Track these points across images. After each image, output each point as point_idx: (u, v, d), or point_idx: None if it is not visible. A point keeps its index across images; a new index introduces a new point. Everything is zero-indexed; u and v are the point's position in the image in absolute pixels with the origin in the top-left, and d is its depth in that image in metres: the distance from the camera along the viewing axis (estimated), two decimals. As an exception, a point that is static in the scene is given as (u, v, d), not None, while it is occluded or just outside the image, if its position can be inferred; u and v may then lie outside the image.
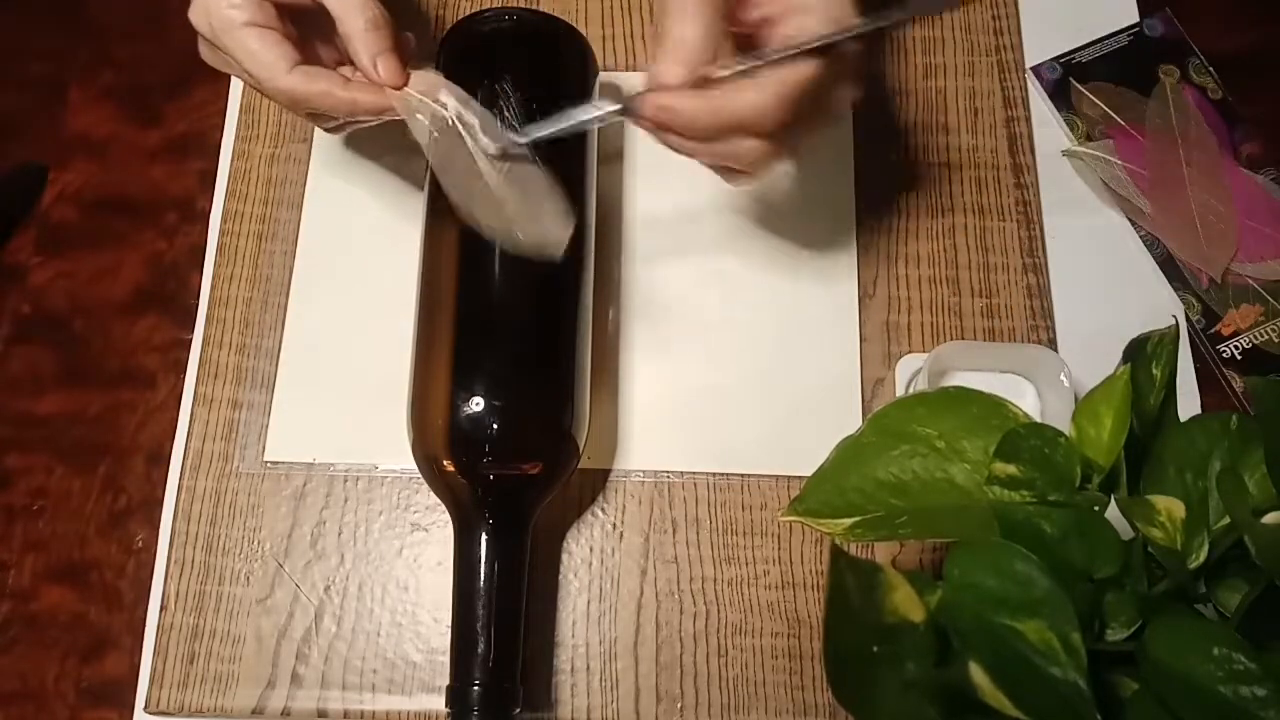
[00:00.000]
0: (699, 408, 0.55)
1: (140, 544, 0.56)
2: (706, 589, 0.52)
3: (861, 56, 0.44)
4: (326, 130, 0.50)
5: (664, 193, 0.60)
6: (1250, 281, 0.58)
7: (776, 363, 0.56)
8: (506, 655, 0.46)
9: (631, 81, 0.62)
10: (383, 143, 0.61)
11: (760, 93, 0.41)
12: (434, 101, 0.46)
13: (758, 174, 0.45)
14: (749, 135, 0.42)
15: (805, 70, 0.41)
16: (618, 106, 0.44)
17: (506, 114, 0.48)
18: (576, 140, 0.52)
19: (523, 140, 0.45)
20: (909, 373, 0.55)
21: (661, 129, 0.43)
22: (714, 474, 0.54)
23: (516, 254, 0.45)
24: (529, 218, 0.45)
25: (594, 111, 0.44)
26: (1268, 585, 0.32)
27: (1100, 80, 0.62)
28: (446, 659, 0.47)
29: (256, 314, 0.58)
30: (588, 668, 0.51)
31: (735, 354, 0.56)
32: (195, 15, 0.45)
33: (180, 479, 0.55)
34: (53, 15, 0.71)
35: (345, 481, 0.55)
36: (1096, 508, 0.35)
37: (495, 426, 0.46)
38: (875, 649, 0.31)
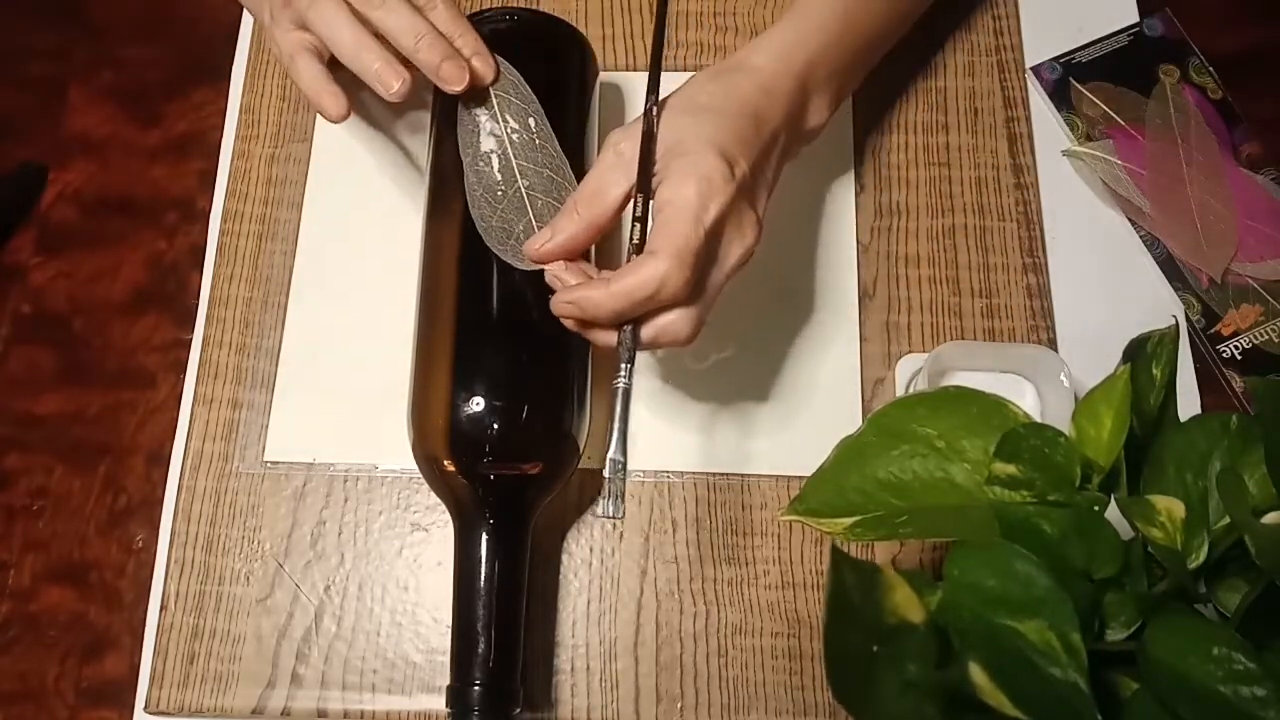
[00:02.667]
0: (699, 408, 0.55)
1: (140, 544, 0.56)
2: (706, 589, 0.52)
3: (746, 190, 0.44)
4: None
5: (664, 193, 0.60)
6: (1250, 281, 0.58)
7: (776, 363, 0.56)
8: (506, 655, 0.46)
9: (631, 81, 0.62)
10: (383, 142, 0.61)
11: (655, 262, 0.41)
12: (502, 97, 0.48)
13: (691, 339, 0.44)
14: (664, 307, 0.42)
15: (689, 228, 0.41)
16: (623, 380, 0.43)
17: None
18: (576, 140, 0.52)
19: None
20: (909, 373, 0.55)
21: (581, 326, 0.43)
22: (714, 474, 0.54)
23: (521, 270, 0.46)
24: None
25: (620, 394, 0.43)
26: (1268, 585, 0.32)
27: (1100, 80, 0.62)
28: (446, 659, 0.47)
29: (256, 314, 0.58)
30: (588, 668, 0.51)
31: (735, 354, 0.56)
32: None
33: (180, 479, 0.55)
34: (53, 15, 0.71)
35: (345, 481, 0.55)
36: (1096, 508, 0.35)
37: (496, 426, 0.46)
38: (875, 649, 0.31)
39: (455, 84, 0.47)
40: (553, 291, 0.44)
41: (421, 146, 0.61)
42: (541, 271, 0.45)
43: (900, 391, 0.55)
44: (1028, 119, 0.61)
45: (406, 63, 0.47)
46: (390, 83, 0.46)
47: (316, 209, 0.60)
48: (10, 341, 0.60)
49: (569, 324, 0.44)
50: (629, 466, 0.42)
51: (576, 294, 0.42)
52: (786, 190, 0.59)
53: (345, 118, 0.48)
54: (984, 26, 0.64)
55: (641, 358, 0.56)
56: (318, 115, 0.61)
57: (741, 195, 0.44)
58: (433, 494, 0.51)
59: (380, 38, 0.47)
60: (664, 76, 0.62)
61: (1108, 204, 0.60)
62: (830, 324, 0.57)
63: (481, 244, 0.47)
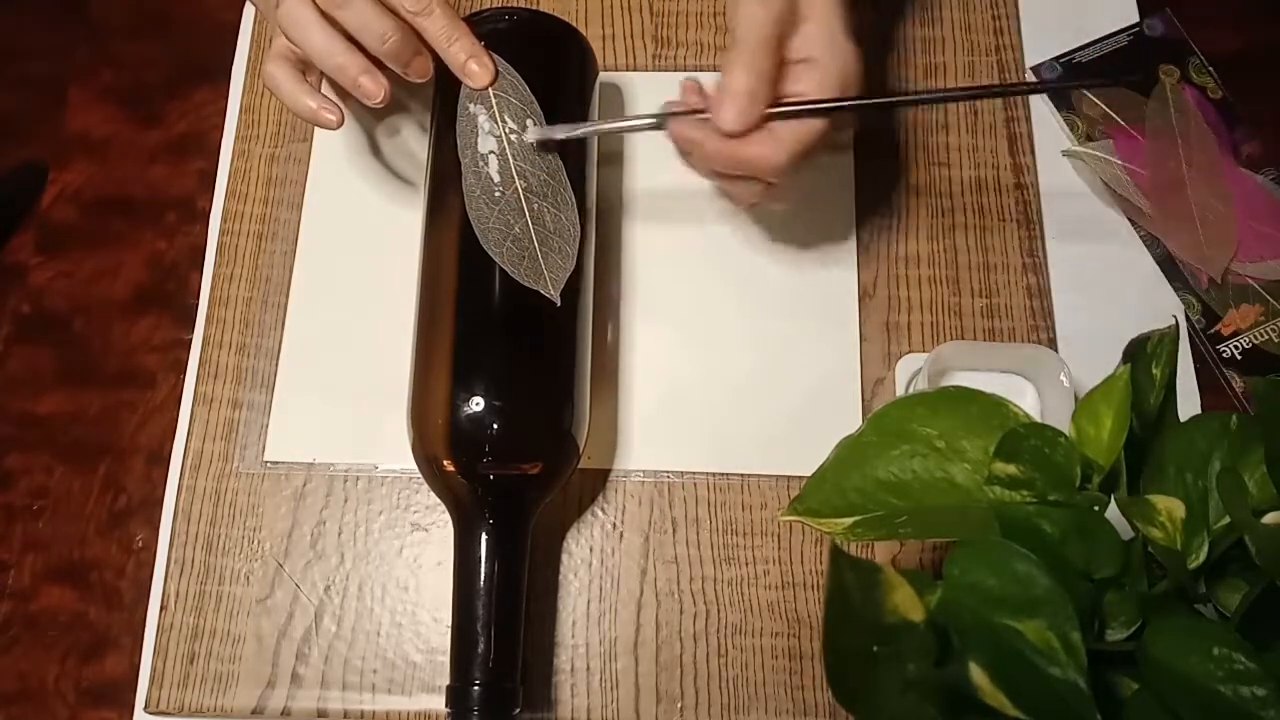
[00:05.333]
0: (699, 408, 0.55)
1: (140, 544, 0.56)
2: (706, 589, 0.52)
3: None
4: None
5: (664, 193, 0.60)
6: (1250, 281, 0.58)
7: (776, 363, 0.56)
8: (506, 655, 0.45)
9: (631, 81, 0.62)
10: (383, 142, 0.61)
11: (775, 149, 0.45)
12: (500, 95, 0.48)
13: (744, 204, 0.49)
14: (754, 179, 0.47)
15: (816, 127, 0.46)
16: (653, 120, 0.48)
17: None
18: (576, 139, 0.52)
19: (559, 136, 0.48)
20: (909, 373, 0.55)
21: (684, 150, 0.48)
22: (714, 474, 0.54)
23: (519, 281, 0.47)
24: (536, 242, 0.47)
25: (631, 120, 0.49)
26: (1268, 585, 0.32)
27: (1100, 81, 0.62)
28: (446, 659, 0.47)
29: (256, 314, 0.58)
30: (588, 668, 0.51)
31: (735, 354, 0.56)
32: None
33: (180, 479, 0.55)
34: (53, 15, 0.71)
35: (345, 481, 0.55)
36: (1096, 508, 0.35)
37: (495, 426, 0.46)
38: (875, 649, 0.31)
39: (421, 77, 0.49)
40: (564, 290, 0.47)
41: (421, 147, 0.61)
42: None
43: (900, 391, 0.55)
44: (1028, 119, 0.61)
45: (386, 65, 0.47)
46: (371, 94, 0.47)
47: (316, 209, 0.60)
48: (10, 341, 0.60)
49: (672, 140, 0.48)
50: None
51: (699, 133, 0.46)
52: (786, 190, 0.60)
53: (339, 124, 0.48)
54: (984, 26, 0.64)
55: (641, 351, 0.56)
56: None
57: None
58: (433, 494, 0.51)
59: (351, 37, 0.47)
60: (663, 76, 0.63)
61: (1108, 204, 0.60)
62: (830, 324, 0.57)
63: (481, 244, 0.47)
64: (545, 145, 0.49)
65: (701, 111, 0.46)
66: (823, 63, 0.46)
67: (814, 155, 0.47)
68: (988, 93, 0.56)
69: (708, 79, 0.62)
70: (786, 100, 0.46)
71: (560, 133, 0.49)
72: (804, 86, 0.46)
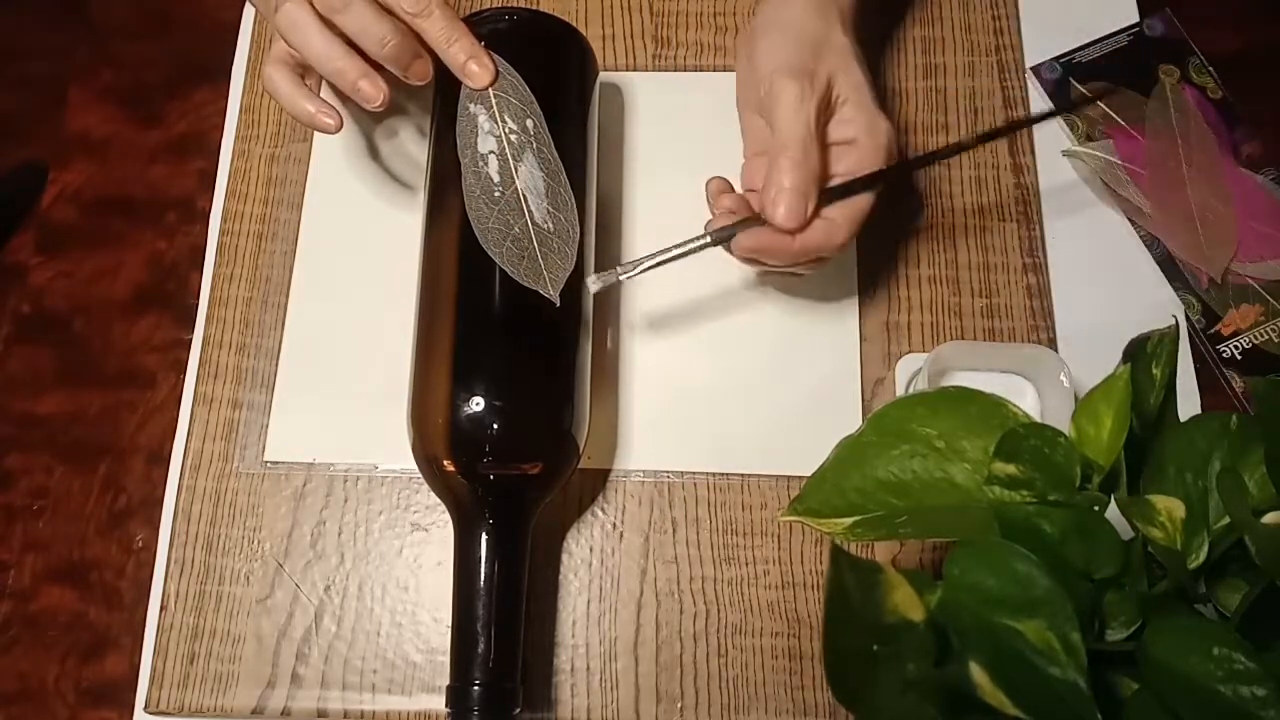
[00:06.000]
0: (699, 408, 0.55)
1: (140, 544, 0.56)
2: (706, 589, 0.52)
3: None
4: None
5: (664, 192, 0.60)
6: (1250, 281, 0.58)
7: (776, 363, 0.56)
8: (506, 655, 0.46)
9: (631, 81, 0.62)
10: (383, 143, 0.61)
11: (833, 232, 0.47)
12: (502, 98, 0.49)
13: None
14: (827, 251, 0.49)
15: (866, 203, 0.48)
16: (711, 239, 0.48)
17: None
18: (577, 138, 0.52)
19: (621, 278, 0.48)
20: (909, 373, 0.55)
21: (748, 260, 0.49)
22: (714, 474, 0.54)
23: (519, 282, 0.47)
24: (536, 243, 0.47)
25: (695, 243, 0.48)
26: (1268, 585, 0.32)
27: (1100, 80, 0.62)
28: (446, 659, 0.47)
29: (256, 314, 0.58)
30: (588, 668, 0.51)
31: (735, 354, 0.56)
32: None
33: (180, 479, 0.55)
34: (53, 15, 0.71)
35: (345, 481, 0.55)
36: (1096, 508, 0.35)
37: (495, 426, 0.46)
38: (875, 648, 0.31)
39: (421, 80, 0.49)
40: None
41: (421, 148, 0.61)
42: None
43: (900, 391, 0.55)
44: (1028, 119, 0.61)
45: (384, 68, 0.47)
46: (370, 97, 0.47)
47: (316, 209, 0.60)
48: (10, 341, 0.60)
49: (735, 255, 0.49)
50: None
51: (763, 242, 0.47)
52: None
53: (338, 128, 0.49)
54: (984, 26, 0.64)
55: (641, 351, 0.56)
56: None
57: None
58: (433, 494, 0.51)
59: (351, 41, 0.47)
60: (663, 76, 0.63)
61: (1108, 204, 0.60)
62: (830, 324, 0.57)
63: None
64: (544, 148, 0.49)
65: (753, 219, 0.47)
66: (862, 142, 0.48)
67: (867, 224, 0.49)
68: (998, 134, 0.57)
69: (713, 77, 0.62)
70: (834, 184, 0.48)
71: (621, 274, 0.48)
72: (846, 166, 0.48)
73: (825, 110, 0.48)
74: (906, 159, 0.57)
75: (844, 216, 0.48)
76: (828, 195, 0.47)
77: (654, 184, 0.60)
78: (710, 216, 0.49)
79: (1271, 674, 0.30)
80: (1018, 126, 0.59)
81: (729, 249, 0.48)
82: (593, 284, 0.48)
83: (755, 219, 0.47)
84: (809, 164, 0.46)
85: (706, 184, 0.50)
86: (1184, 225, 0.58)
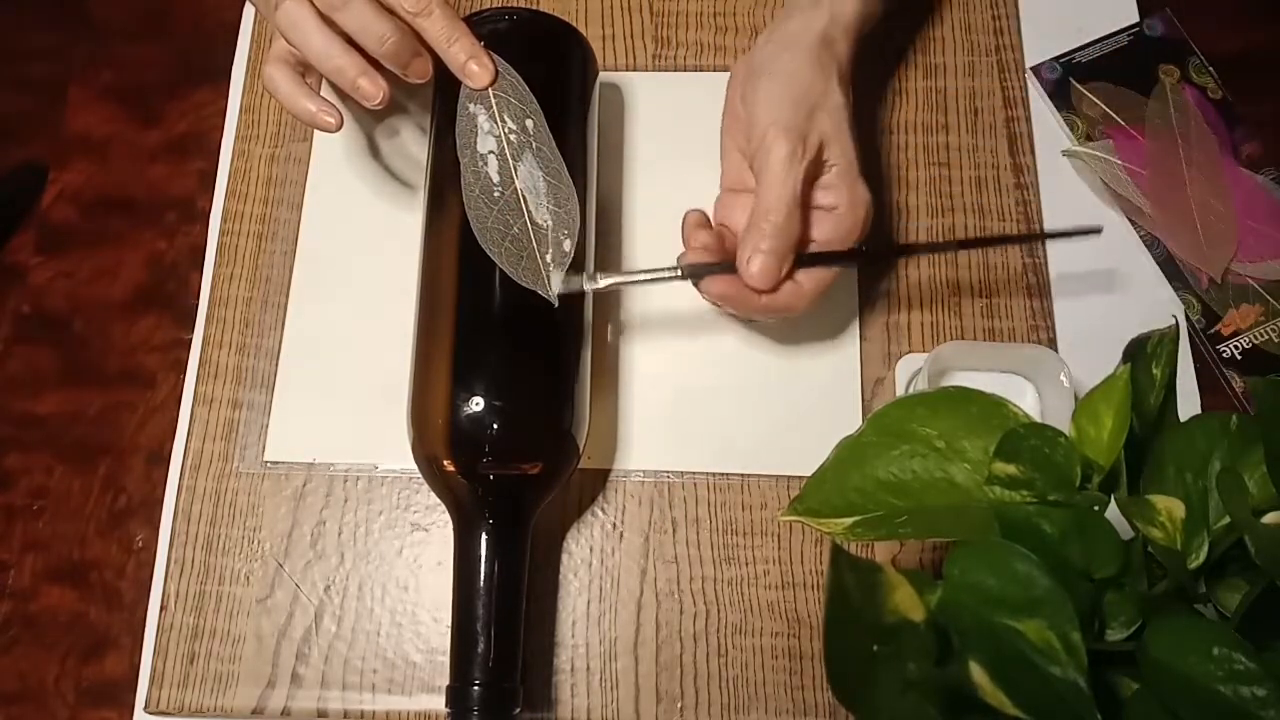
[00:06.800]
0: (699, 408, 0.55)
1: (140, 544, 0.56)
2: (706, 589, 0.52)
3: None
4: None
5: (664, 192, 0.60)
6: (1250, 281, 0.58)
7: (776, 363, 0.56)
8: (506, 655, 0.45)
9: (631, 81, 0.62)
10: (383, 143, 0.61)
11: (798, 297, 0.48)
12: (502, 97, 0.49)
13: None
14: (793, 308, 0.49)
15: (833, 274, 0.49)
16: (681, 273, 0.48)
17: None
18: (576, 140, 0.52)
19: (586, 288, 0.49)
20: (909, 373, 0.55)
21: (713, 301, 0.50)
22: (714, 474, 0.54)
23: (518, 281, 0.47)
24: (535, 243, 0.47)
25: (665, 273, 0.48)
26: (1268, 585, 0.32)
27: (1100, 80, 0.62)
28: (446, 659, 0.47)
29: (256, 314, 0.58)
30: (588, 668, 0.51)
31: (735, 354, 0.56)
32: None
33: (180, 479, 0.55)
34: (53, 15, 0.71)
35: (345, 481, 0.55)
36: (1096, 508, 0.35)
37: (495, 426, 0.46)
38: (875, 648, 0.31)
39: (421, 79, 0.49)
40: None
41: (421, 147, 0.61)
42: None
43: (900, 391, 0.55)
44: (1028, 119, 0.61)
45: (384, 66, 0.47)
46: (369, 96, 0.47)
47: (316, 209, 0.60)
48: (10, 341, 0.60)
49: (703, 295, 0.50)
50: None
51: (732, 291, 0.48)
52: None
53: (338, 127, 0.49)
54: (984, 26, 0.64)
55: (641, 351, 0.56)
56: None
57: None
58: (433, 494, 0.51)
59: (350, 39, 0.47)
60: (663, 76, 0.63)
61: (1108, 204, 0.60)
62: (830, 324, 0.57)
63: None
64: (544, 148, 0.49)
65: (725, 265, 0.48)
66: (842, 212, 0.48)
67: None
68: (993, 241, 0.58)
69: (713, 77, 0.62)
70: (810, 251, 0.48)
71: (588, 284, 0.49)
72: (823, 233, 0.49)
73: (815, 171, 0.48)
74: (886, 246, 0.58)
75: (811, 283, 0.48)
76: (801, 261, 0.48)
77: (654, 184, 0.60)
78: (683, 250, 0.50)
79: (1271, 674, 0.30)
80: (999, 241, 0.59)
81: (697, 285, 0.49)
82: (557, 285, 0.48)
83: (727, 265, 0.48)
84: (790, 230, 0.47)
85: (684, 216, 0.51)
86: (1184, 225, 0.58)
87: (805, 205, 0.48)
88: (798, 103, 0.48)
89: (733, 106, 0.52)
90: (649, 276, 0.49)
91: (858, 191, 0.49)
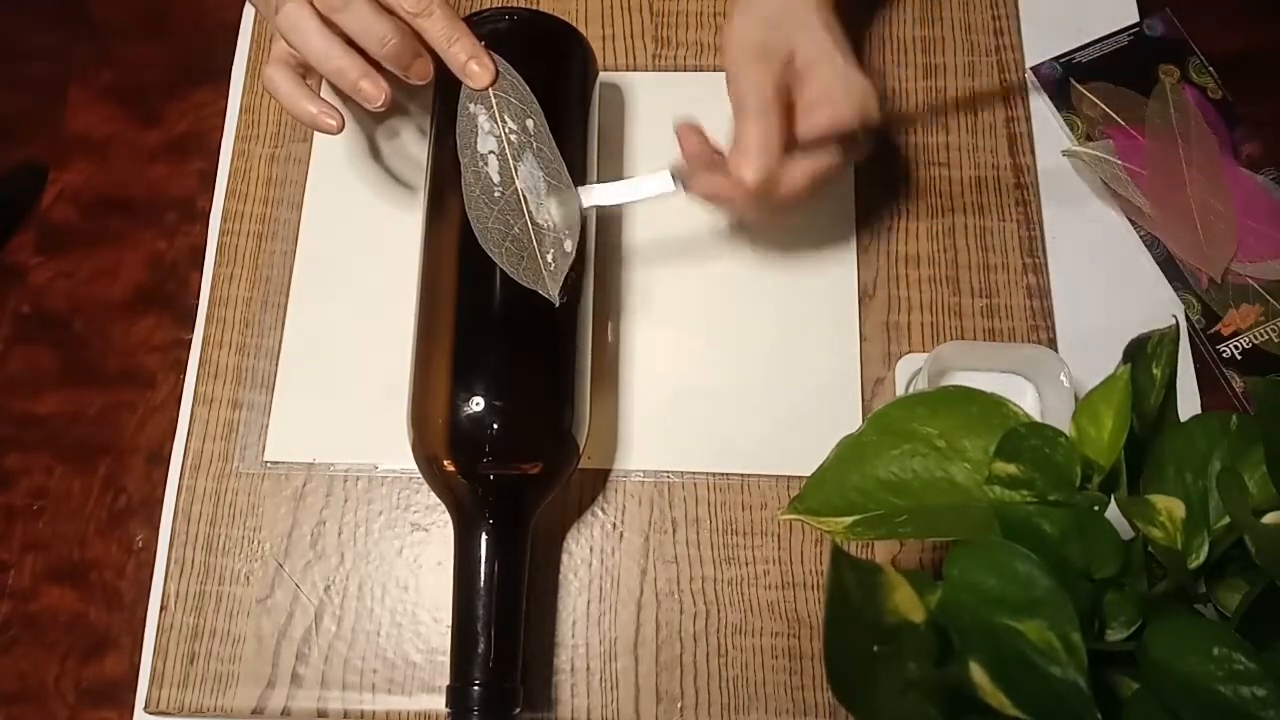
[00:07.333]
0: (699, 408, 0.55)
1: (140, 544, 0.56)
2: (706, 589, 0.52)
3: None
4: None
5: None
6: (1250, 281, 0.58)
7: (776, 363, 0.56)
8: (506, 655, 0.46)
9: (631, 81, 0.62)
10: (383, 143, 0.61)
11: (792, 189, 0.48)
12: (502, 97, 0.49)
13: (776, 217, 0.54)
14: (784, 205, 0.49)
15: (832, 158, 0.49)
16: (672, 176, 0.49)
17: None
18: (576, 140, 0.52)
19: (585, 205, 0.49)
20: (909, 373, 0.55)
21: (707, 201, 0.50)
22: (714, 474, 0.54)
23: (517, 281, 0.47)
24: (535, 243, 0.47)
25: (650, 184, 0.49)
26: (1268, 585, 0.32)
27: (1100, 80, 0.62)
28: (446, 659, 0.47)
29: (256, 314, 0.58)
30: (588, 668, 0.51)
31: (735, 354, 0.56)
32: None
33: (180, 479, 0.55)
34: (53, 15, 0.71)
35: (345, 481, 0.55)
36: (1096, 508, 0.35)
37: (495, 426, 0.46)
38: (876, 649, 0.31)
39: (421, 80, 0.49)
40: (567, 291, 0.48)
41: (421, 147, 0.61)
42: None
43: (900, 391, 0.55)
44: (1028, 119, 0.61)
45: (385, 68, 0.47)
46: (370, 97, 0.47)
47: (316, 209, 0.60)
48: (10, 341, 0.60)
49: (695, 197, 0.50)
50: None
51: (723, 189, 0.48)
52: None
53: (339, 129, 0.49)
54: (984, 26, 0.64)
55: (642, 351, 0.56)
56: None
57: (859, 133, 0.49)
58: (433, 494, 0.51)
59: (351, 40, 0.47)
60: (663, 76, 0.63)
61: (1108, 204, 0.60)
62: (830, 324, 0.57)
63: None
64: (544, 148, 0.49)
65: (716, 165, 0.48)
66: (837, 98, 0.48)
67: (829, 183, 0.50)
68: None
69: (713, 77, 0.62)
70: (807, 139, 0.48)
71: (587, 200, 0.49)
72: (820, 120, 0.48)
73: (789, 75, 0.48)
74: (884, 123, 0.57)
75: (802, 173, 0.48)
76: (797, 151, 0.48)
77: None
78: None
79: (1271, 674, 0.30)
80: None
81: (688, 189, 0.49)
82: (551, 204, 0.49)
83: (718, 165, 0.48)
84: (768, 125, 0.46)
85: (676, 127, 0.51)
86: (1184, 225, 0.58)
87: (787, 105, 0.48)
88: (758, 23, 0.49)
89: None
90: (640, 193, 0.49)
91: (851, 78, 0.48)
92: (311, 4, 0.46)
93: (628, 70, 0.63)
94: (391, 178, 0.61)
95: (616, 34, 0.64)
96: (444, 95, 0.51)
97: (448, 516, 0.50)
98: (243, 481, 0.55)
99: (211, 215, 0.61)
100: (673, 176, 0.49)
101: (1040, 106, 0.62)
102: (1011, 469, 0.35)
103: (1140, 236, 0.59)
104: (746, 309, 0.57)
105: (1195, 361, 0.57)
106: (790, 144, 0.48)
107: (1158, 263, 0.58)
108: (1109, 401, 0.36)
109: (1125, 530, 0.35)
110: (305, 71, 0.50)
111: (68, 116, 0.65)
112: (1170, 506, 0.34)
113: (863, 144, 0.50)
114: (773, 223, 0.57)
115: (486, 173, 0.48)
